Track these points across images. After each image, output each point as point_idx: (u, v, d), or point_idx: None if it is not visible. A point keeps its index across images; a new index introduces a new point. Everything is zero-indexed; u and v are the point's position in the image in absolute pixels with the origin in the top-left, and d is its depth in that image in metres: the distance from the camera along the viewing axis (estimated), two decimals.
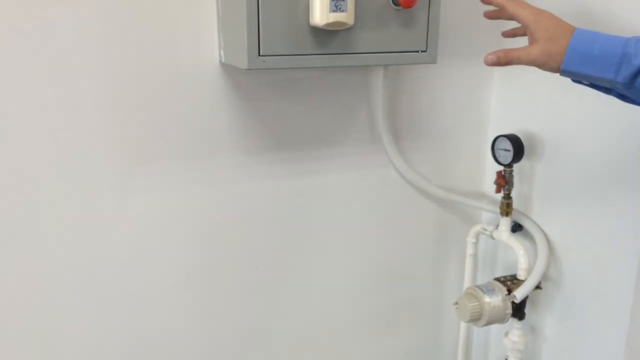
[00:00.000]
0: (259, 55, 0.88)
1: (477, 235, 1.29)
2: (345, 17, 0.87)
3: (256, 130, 1.08)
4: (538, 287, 1.17)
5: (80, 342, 1.04)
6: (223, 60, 0.99)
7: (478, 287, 1.17)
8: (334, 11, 0.86)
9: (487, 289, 1.15)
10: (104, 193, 0.99)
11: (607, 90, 0.81)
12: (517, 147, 1.12)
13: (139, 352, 1.09)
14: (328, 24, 0.87)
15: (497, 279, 1.18)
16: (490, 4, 0.86)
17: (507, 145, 1.13)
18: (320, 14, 0.86)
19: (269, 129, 1.09)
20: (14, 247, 0.95)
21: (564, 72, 0.78)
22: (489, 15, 0.93)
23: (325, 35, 0.90)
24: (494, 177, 1.19)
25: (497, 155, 1.16)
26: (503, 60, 0.82)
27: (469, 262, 1.31)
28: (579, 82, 0.83)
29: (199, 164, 1.05)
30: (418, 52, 0.99)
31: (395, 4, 0.94)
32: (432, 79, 1.20)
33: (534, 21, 0.79)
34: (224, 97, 1.03)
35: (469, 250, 1.30)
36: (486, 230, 1.24)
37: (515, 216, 1.20)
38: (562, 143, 1.13)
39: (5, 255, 0.95)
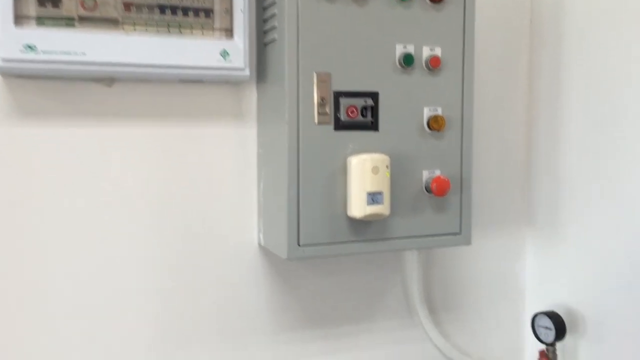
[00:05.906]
0: (299, 245, 0.90)
1: None
2: (382, 208, 0.91)
3: (291, 308, 1.08)
4: None
5: None
6: (262, 244, 1.02)
7: None
8: (370, 204, 0.90)
9: None
10: None
11: None
12: (559, 325, 1.09)
13: None
14: (366, 216, 0.90)
15: None
16: None
17: (548, 323, 1.10)
18: (358, 207, 0.90)
19: (304, 306, 1.09)
20: None
21: None
22: None
23: (362, 224, 0.94)
24: (533, 349, 1.14)
25: (538, 333, 1.13)
26: None
27: None
28: None
29: (234, 343, 1.04)
30: (452, 234, 1.01)
31: (429, 191, 0.98)
32: (465, 252, 1.21)
33: None
34: (261, 277, 1.05)
35: None
36: None
37: None
38: (604, 320, 1.10)
39: None
